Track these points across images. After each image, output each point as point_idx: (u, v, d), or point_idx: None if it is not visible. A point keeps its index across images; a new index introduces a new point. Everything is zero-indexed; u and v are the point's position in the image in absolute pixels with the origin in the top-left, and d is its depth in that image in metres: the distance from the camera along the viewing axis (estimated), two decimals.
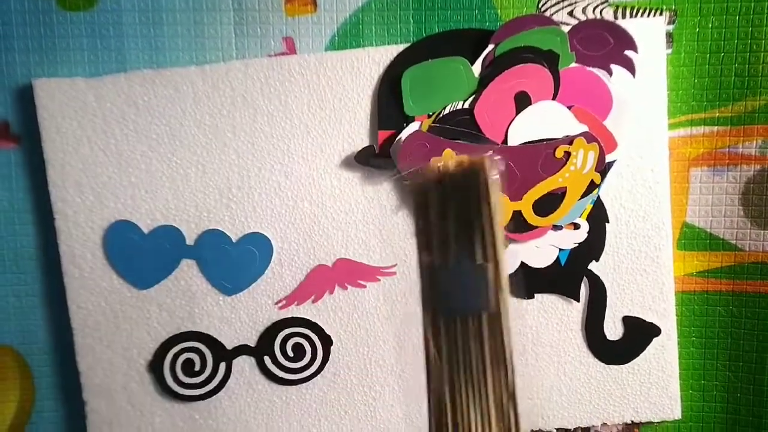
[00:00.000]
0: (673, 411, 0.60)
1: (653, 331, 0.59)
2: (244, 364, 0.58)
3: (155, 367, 0.58)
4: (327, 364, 0.58)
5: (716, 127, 0.58)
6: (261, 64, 0.55)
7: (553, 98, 0.55)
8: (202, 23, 0.55)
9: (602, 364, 0.60)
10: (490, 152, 0.35)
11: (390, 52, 0.55)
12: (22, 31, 0.54)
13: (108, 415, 0.58)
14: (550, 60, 0.54)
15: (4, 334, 0.58)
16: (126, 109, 0.55)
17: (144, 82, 0.54)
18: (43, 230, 0.57)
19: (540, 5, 0.56)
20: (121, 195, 0.56)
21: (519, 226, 0.56)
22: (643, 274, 0.58)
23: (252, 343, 0.58)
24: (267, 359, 0.58)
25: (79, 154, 0.55)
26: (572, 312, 0.59)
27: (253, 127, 0.56)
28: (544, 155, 0.55)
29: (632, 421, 0.61)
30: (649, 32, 0.55)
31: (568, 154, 0.55)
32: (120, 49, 0.55)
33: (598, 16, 0.56)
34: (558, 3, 0.56)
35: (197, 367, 0.58)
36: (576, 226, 0.57)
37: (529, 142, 0.55)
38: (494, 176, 0.35)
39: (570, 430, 0.61)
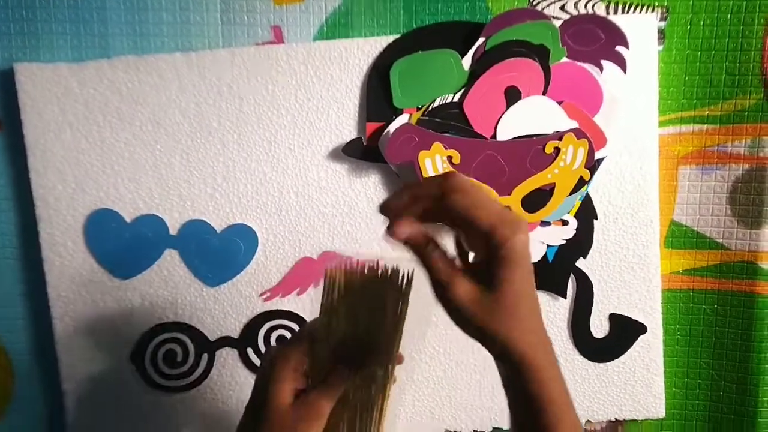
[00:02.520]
0: (657, 409, 0.60)
1: (639, 328, 0.59)
2: (226, 356, 0.58)
3: (136, 357, 0.57)
4: None
5: (705, 126, 0.58)
6: (248, 53, 0.54)
7: (544, 93, 0.55)
8: (188, 9, 0.54)
9: (587, 361, 0.60)
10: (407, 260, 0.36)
11: (379, 43, 0.54)
12: (3, 14, 0.53)
13: (87, 405, 0.57)
14: (541, 54, 0.54)
15: None
16: (109, 95, 0.54)
17: (128, 69, 0.53)
18: (24, 217, 0.56)
19: None
20: (104, 183, 0.55)
21: None
22: (630, 272, 0.58)
23: (235, 335, 0.58)
24: (250, 351, 0.58)
25: (60, 140, 0.54)
26: (559, 309, 0.59)
27: (239, 117, 0.55)
28: (533, 151, 0.55)
29: (616, 419, 0.61)
30: (641, 28, 0.55)
31: (557, 150, 0.54)
32: (103, 34, 0.54)
33: (590, 11, 0.55)
34: None
35: (179, 358, 0.57)
36: (564, 223, 0.57)
37: (518, 137, 0.55)
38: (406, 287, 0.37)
39: None
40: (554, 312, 0.59)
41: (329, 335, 0.38)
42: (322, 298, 0.38)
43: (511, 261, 0.32)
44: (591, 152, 0.54)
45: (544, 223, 0.57)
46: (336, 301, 0.38)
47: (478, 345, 0.35)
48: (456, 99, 0.55)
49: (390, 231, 0.35)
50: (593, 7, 0.56)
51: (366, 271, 0.38)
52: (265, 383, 0.37)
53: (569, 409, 0.35)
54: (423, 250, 0.35)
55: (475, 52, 0.54)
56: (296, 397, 0.37)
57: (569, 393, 0.35)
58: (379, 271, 0.38)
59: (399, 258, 0.37)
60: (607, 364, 0.60)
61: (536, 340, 0.34)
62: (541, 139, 0.54)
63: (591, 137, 0.54)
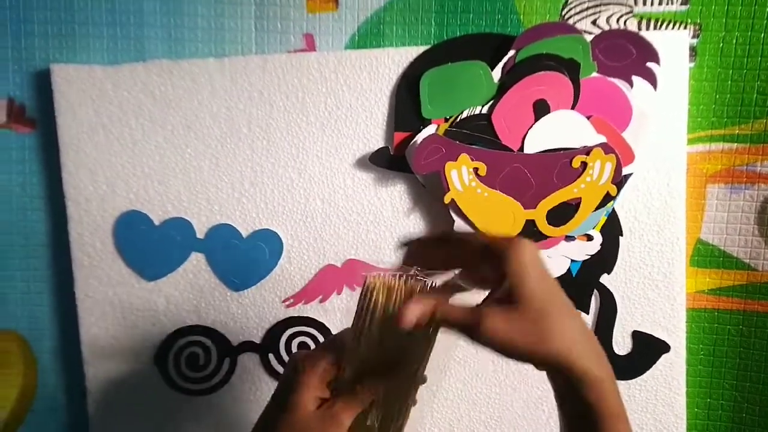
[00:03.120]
0: (678, 429, 0.60)
1: (662, 347, 0.58)
2: (248, 361, 0.58)
3: (159, 359, 0.57)
4: None
5: (735, 144, 0.57)
6: (280, 60, 0.54)
7: (573, 107, 0.54)
8: (223, 15, 0.54)
9: None
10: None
11: (410, 53, 0.55)
12: (42, 16, 0.54)
13: (110, 405, 0.57)
14: (571, 68, 0.54)
15: (11, 319, 0.58)
16: (143, 98, 0.54)
17: (162, 72, 0.54)
18: (55, 216, 0.56)
19: (563, 13, 0.55)
20: (134, 185, 0.55)
21: (531, 235, 0.55)
22: (655, 290, 0.58)
23: (257, 340, 0.58)
24: (271, 357, 0.58)
25: (93, 141, 0.55)
26: None
27: (268, 123, 0.55)
28: (560, 164, 0.54)
29: None
30: (673, 45, 0.54)
31: (584, 165, 0.54)
32: (139, 38, 0.54)
33: (622, 27, 0.55)
34: (582, 11, 0.55)
35: (201, 362, 0.58)
36: (589, 238, 0.57)
37: (546, 151, 0.55)
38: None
39: None
40: None
41: (361, 346, 0.38)
42: (358, 306, 0.38)
43: (519, 270, 0.32)
44: (618, 168, 0.54)
45: (569, 238, 0.56)
46: (372, 312, 0.38)
47: (496, 357, 0.35)
48: (484, 111, 0.55)
49: (400, 320, 0.35)
50: (625, 22, 0.55)
51: (404, 284, 0.38)
52: (289, 387, 0.37)
53: (626, 424, 0.34)
54: (436, 317, 0.35)
55: (505, 64, 0.54)
56: (318, 406, 0.37)
57: (624, 405, 0.34)
58: (418, 286, 0.38)
59: (439, 273, 0.38)
60: (629, 381, 0.59)
61: (583, 348, 0.32)
62: (569, 153, 0.54)
63: (619, 153, 0.54)
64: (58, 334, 0.58)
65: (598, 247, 0.57)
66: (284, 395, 0.37)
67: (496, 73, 0.54)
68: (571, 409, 0.34)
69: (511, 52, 0.54)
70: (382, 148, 0.56)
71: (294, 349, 0.58)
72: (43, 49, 0.54)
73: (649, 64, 0.54)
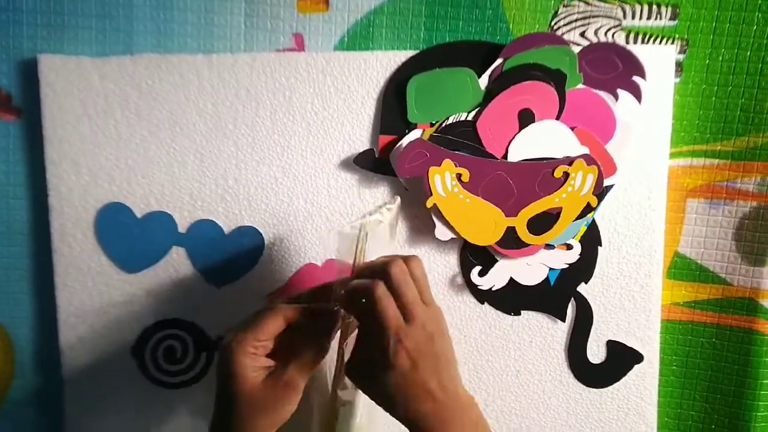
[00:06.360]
0: None
1: (636, 357, 0.59)
2: None
3: (137, 351, 0.58)
4: None
5: (717, 160, 0.58)
6: (268, 59, 0.54)
7: (557, 118, 0.55)
8: (213, 12, 0.54)
9: (582, 385, 0.60)
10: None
11: (398, 57, 0.55)
12: (31, 5, 0.53)
13: (86, 395, 0.58)
14: (557, 79, 0.54)
15: None
16: (129, 91, 0.54)
17: (149, 66, 0.54)
18: (37, 206, 0.56)
19: (552, 23, 0.56)
20: (117, 177, 0.55)
21: (511, 242, 0.56)
22: (631, 300, 0.59)
23: None
24: None
25: (78, 132, 0.55)
26: (557, 332, 0.59)
27: (254, 121, 0.55)
28: (542, 174, 0.55)
29: None
30: (659, 60, 0.55)
31: (566, 175, 0.55)
32: (128, 30, 0.54)
33: (610, 40, 0.56)
34: (571, 23, 0.56)
35: (179, 355, 0.58)
36: (568, 247, 0.57)
37: (529, 160, 0.55)
38: None
39: None
40: (552, 335, 0.59)
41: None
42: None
43: None
44: (600, 179, 0.55)
45: (549, 247, 0.57)
46: None
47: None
48: (470, 117, 0.55)
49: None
50: (613, 35, 0.56)
51: None
52: (225, 373, 0.38)
53: None
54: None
55: (492, 72, 0.55)
56: (268, 375, 0.38)
57: None
58: None
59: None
60: (601, 390, 0.60)
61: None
62: (551, 163, 0.55)
63: (601, 164, 0.54)
64: (36, 322, 0.58)
65: (577, 257, 0.57)
66: (224, 382, 0.38)
67: (483, 81, 0.55)
68: None
69: (499, 61, 0.54)
70: (367, 150, 0.56)
71: None
72: (30, 39, 0.54)
73: (635, 78, 0.55)
